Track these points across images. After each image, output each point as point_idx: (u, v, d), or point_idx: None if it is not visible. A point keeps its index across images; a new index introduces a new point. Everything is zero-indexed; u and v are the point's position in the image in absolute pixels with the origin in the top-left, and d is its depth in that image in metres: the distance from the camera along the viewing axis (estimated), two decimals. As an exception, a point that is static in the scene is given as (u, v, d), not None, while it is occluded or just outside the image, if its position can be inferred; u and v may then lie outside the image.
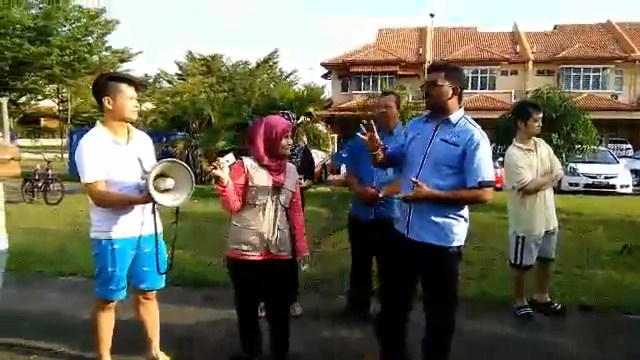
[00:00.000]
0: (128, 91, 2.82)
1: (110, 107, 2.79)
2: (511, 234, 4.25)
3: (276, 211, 2.99)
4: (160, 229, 3.03)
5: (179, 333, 3.75)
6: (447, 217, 2.82)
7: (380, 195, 3.73)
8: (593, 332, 3.86)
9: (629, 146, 25.70)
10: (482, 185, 2.75)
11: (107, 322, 2.96)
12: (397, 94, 4.14)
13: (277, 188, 2.98)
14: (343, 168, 16.93)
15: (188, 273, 5.12)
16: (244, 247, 2.96)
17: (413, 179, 2.75)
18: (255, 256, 2.96)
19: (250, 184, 2.94)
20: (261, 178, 2.95)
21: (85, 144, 2.76)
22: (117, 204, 2.80)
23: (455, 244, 2.85)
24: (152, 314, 3.15)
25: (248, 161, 2.99)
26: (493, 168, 2.85)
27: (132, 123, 2.95)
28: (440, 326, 2.96)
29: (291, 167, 3.17)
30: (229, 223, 3.06)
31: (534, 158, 4.14)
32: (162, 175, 2.75)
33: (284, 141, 2.97)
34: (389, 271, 3.12)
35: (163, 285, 3.12)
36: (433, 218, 2.81)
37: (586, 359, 3.41)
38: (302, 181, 3.90)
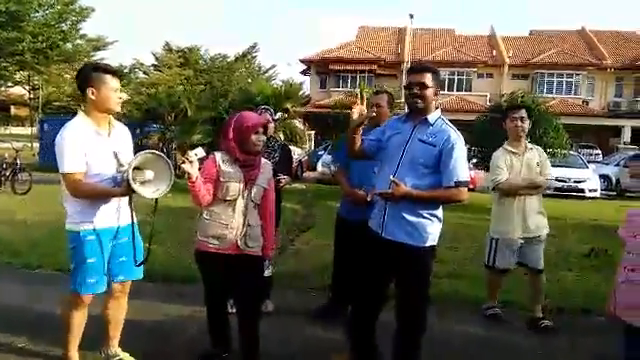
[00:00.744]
0: (112, 82, 2.79)
1: (94, 98, 2.75)
2: (487, 235, 4.27)
3: (246, 206, 2.97)
4: (136, 220, 2.99)
5: (148, 329, 3.70)
6: (421, 217, 2.85)
7: (368, 199, 3.70)
8: (561, 333, 3.93)
9: (598, 151, 26.38)
10: (458, 185, 2.79)
11: (80, 319, 2.90)
12: (390, 93, 4.08)
13: (248, 184, 2.96)
14: (319, 166, 16.99)
15: (159, 268, 5.04)
16: (212, 241, 2.95)
17: (392, 177, 2.76)
18: (223, 250, 2.94)
19: (221, 179, 2.92)
20: (232, 173, 2.93)
21: (67, 133, 2.71)
22: (94, 196, 2.76)
23: (429, 244, 2.88)
24: (121, 309, 3.10)
25: (220, 155, 2.98)
26: (468, 169, 2.89)
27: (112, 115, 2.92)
28: (412, 324, 2.97)
29: (266, 163, 3.13)
30: (199, 217, 3.03)
31: (517, 161, 4.09)
32: (140, 167, 2.72)
33: (254, 137, 2.93)
34: (362, 270, 3.12)
35: (141, 276, 3.06)
36: (407, 217, 2.83)
37: (554, 359, 3.47)
38: (283, 179, 3.87)
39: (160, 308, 4.14)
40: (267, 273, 2.98)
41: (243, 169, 2.95)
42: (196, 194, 2.82)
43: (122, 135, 2.97)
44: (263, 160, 3.12)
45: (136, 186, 2.64)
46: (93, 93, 2.75)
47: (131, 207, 2.86)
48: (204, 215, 3.00)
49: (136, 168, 2.69)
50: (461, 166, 2.81)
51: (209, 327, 3.22)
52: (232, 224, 2.93)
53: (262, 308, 4.00)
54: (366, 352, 3.22)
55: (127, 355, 3.11)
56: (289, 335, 3.67)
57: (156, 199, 2.82)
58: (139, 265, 2.97)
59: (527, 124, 4.17)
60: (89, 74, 2.78)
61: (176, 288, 4.64)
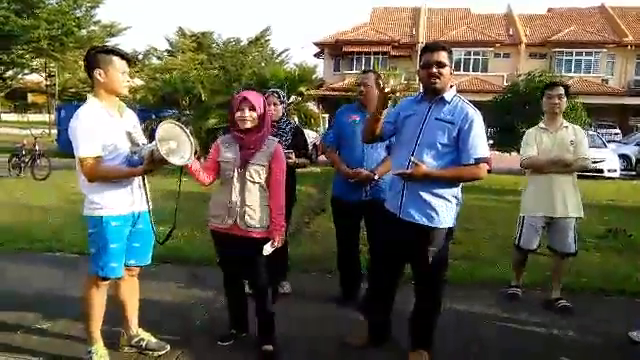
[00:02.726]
0: (120, 64, 2.79)
1: (102, 80, 2.76)
2: (519, 213, 4.24)
3: (243, 185, 2.99)
4: (150, 204, 3.04)
5: (166, 310, 3.77)
6: (440, 198, 2.84)
7: (375, 177, 3.71)
8: (578, 314, 3.90)
9: (618, 131, 25.92)
10: (477, 162, 2.78)
11: (101, 301, 2.93)
12: (377, 72, 4.03)
13: (244, 163, 2.99)
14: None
15: (173, 250, 5.13)
16: (214, 220, 3.08)
17: (412, 158, 2.75)
18: (224, 229, 3.02)
19: (219, 158, 3.04)
20: (228, 153, 3.02)
21: (81, 117, 2.71)
22: (111, 178, 2.77)
23: (447, 225, 2.88)
24: (134, 291, 3.14)
25: (222, 138, 3.13)
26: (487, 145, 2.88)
27: (121, 99, 2.94)
28: (429, 305, 3.00)
29: (271, 143, 3.09)
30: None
31: (547, 139, 4.02)
32: (163, 140, 2.73)
33: (238, 113, 2.96)
34: (379, 251, 3.13)
35: (149, 262, 3.11)
36: (426, 198, 2.82)
37: (568, 341, 3.46)
38: (292, 155, 3.87)
39: (178, 289, 4.21)
40: (265, 252, 2.98)
41: (240, 150, 2.99)
42: (193, 175, 2.95)
43: (132, 118, 3.00)
44: (270, 139, 3.11)
45: (167, 156, 2.64)
46: (101, 75, 2.75)
47: (146, 189, 2.90)
48: (212, 194, 3.14)
49: (161, 140, 2.69)
50: (480, 143, 2.79)
51: (228, 307, 3.28)
52: (228, 204, 2.99)
53: (279, 289, 4.06)
54: (381, 333, 3.25)
55: (148, 335, 3.18)
56: (305, 316, 3.71)
57: (180, 174, 2.90)
58: (163, 242, 3.06)
59: (564, 102, 4.10)
60: (97, 56, 2.77)
61: (191, 270, 4.71)
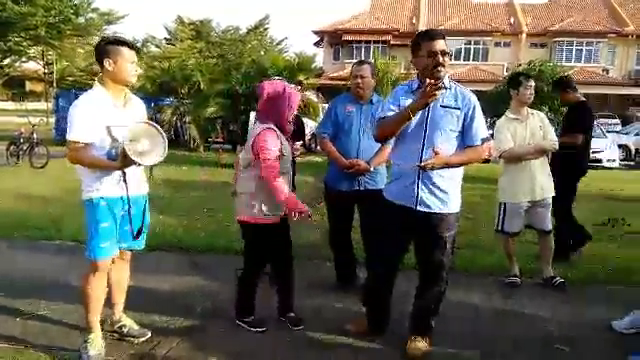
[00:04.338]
0: (129, 54, 2.85)
1: (111, 69, 2.82)
2: (496, 201, 4.41)
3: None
4: (146, 191, 3.09)
5: (164, 298, 3.78)
6: (452, 182, 2.92)
7: (371, 168, 3.70)
8: (576, 301, 3.93)
9: (617, 121, 25.82)
10: (482, 142, 2.90)
11: (101, 287, 2.95)
12: (371, 63, 4.03)
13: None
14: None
15: (172, 238, 5.16)
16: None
17: (435, 149, 2.76)
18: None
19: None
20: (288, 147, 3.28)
21: (81, 102, 2.79)
22: (92, 167, 2.81)
23: (457, 210, 2.98)
24: (124, 276, 3.15)
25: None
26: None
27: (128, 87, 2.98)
28: (436, 291, 3.04)
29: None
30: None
31: (521, 128, 4.19)
32: (135, 139, 2.75)
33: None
34: (381, 240, 3.12)
35: (142, 247, 3.11)
36: (441, 186, 2.87)
37: (567, 328, 3.47)
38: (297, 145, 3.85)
39: (178, 277, 4.21)
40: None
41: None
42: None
43: (137, 108, 3.03)
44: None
45: (137, 158, 2.69)
46: (110, 64, 2.81)
47: (126, 180, 2.85)
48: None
49: (132, 140, 2.72)
50: (483, 123, 2.95)
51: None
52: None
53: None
54: (381, 320, 3.26)
55: (131, 321, 3.18)
56: (304, 304, 3.71)
57: (151, 167, 2.89)
58: (136, 237, 3.00)
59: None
60: (107, 45, 2.84)
61: (193, 258, 4.72)
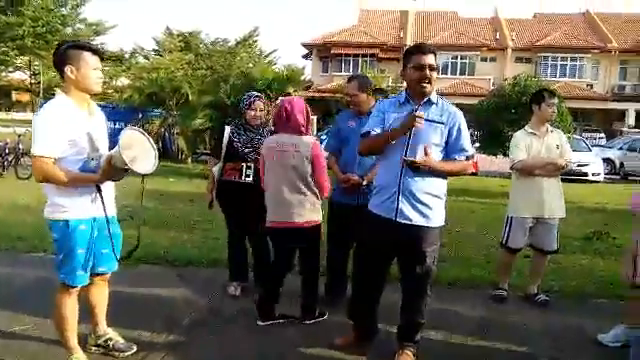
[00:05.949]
0: (92, 60, 2.65)
1: (73, 77, 2.62)
2: (505, 214, 4.34)
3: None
4: (114, 211, 2.93)
5: (150, 310, 3.73)
6: (434, 196, 2.91)
7: (364, 183, 3.73)
8: (560, 314, 3.95)
9: (602, 135, 26.25)
10: (467, 158, 2.93)
11: (73, 309, 2.82)
12: (359, 77, 4.04)
13: None
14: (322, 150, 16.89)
15: (158, 251, 5.12)
16: None
17: (425, 146, 2.79)
18: None
19: None
20: None
21: (46, 113, 2.58)
22: (66, 183, 2.59)
23: (440, 223, 2.97)
24: (103, 296, 3.05)
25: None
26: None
27: (98, 96, 2.85)
28: (418, 304, 3.03)
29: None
30: None
31: (537, 143, 4.15)
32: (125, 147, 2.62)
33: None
34: (365, 253, 3.12)
35: (116, 269, 2.99)
36: (422, 198, 2.87)
37: (553, 341, 3.49)
38: None
39: (163, 290, 4.16)
40: None
41: None
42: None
43: (100, 118, 2.86)
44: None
45: (130, 163, 2.54)
46: (72, 71, 2.61)
47: (102, 197, 2.73)
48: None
49: (124, 147, 2.58)
50: (468, 139, 2.96)
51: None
52: None
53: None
54: (368, 334, 3.25)
55: (116, 334, 3.11)
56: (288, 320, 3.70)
57: (143, 179, 2.77)
58: (127, 258, 2.93)
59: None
60: (67, 51, 2.63)
61: (179, 271, 4.68)
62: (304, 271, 3.66)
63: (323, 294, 4.04)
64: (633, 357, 3.00)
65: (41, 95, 35.14)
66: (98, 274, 2.91)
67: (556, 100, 4.26)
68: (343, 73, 29.88)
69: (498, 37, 33.24)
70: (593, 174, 14.92)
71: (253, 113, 4.00)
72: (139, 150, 2.68)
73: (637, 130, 26.23)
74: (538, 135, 4.18)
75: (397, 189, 2.87)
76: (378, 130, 2.96)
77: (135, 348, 3.07)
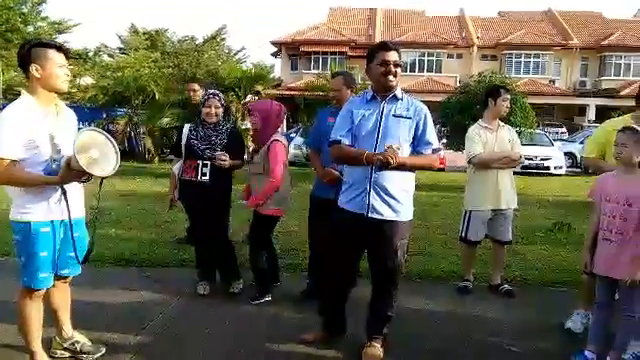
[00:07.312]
0: (57, 58, 2.59)
1: (38, 75, 2.55)
2: (462, 208, 4.45)
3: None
4: (82, 214, 2.87)
5: (117, 311, 3.68)
6: (403, 190, 2.96)
7: (344, 178, 3.74)
8: (525, 305, 4.07)
9: (564, 130, 26.96)
10: (434, 151, 3.00)
11: (37, 312, 2.76)
12: (345, 74, 4.10)
13: None
14: (291, 148, 16.84)
15: (124, 252, 5.05)
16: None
17: (393, 145, 2.82)
18: None
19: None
20: None
21: (9, 113, 2.50)
22: (27, 185, 2.54)
23: (409, 217, 3.02)
24: (66, 298, 2.99)
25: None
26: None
27: (62, 95, 2.76)
28: (387, 297, 3.09)
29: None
30: None
31: (491, 137, 4.26)
32: (83, 148, 2.54)
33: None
34: (334, 248, 3.15)
35: (79, 272, 2.92)
36: (393, 193, 2.91)
37: (517, 329, 3.59)
38: (225, 157, 3.89)
39: (131, 291, 4.10)
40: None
41: None
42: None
43: (69, 117, 2.80)
44: None
45: (86, 166, 2.47)
46: (37, 70, 2.55)
47: (67, 199, 2.65)
48: None
49: (80, 149, 2.50)
50: (434, 134, 3.03)
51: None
52: None
53: (232, 289, 4.06)
54: (337, 329, 3.29)
55: (83, 337, 3.06)
56: (260, 314, 3.70)
57: (101, 181, 2.71)
58: (83, 262, 2.84)
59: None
60: (31, 50, 2.56)
61: (147, 272, 4.63)
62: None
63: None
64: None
65: (1, 95, 34.05)
66: (61, 277, 2.85)
67: (509, 96, 4.39)
68: (312, 71, 29.80)
69: (464, 35, 33.79)
70: (555, 167, 15.34)
71: (208, 110, 3.98)
72: (98, 151, 2.59)
73: (597, 124, 26.97)
74: (491, 129, 4.29)
75: (368, 185, 2.91)
76: (347, 141, 2.97)
77: (104, 350, 3.03)
